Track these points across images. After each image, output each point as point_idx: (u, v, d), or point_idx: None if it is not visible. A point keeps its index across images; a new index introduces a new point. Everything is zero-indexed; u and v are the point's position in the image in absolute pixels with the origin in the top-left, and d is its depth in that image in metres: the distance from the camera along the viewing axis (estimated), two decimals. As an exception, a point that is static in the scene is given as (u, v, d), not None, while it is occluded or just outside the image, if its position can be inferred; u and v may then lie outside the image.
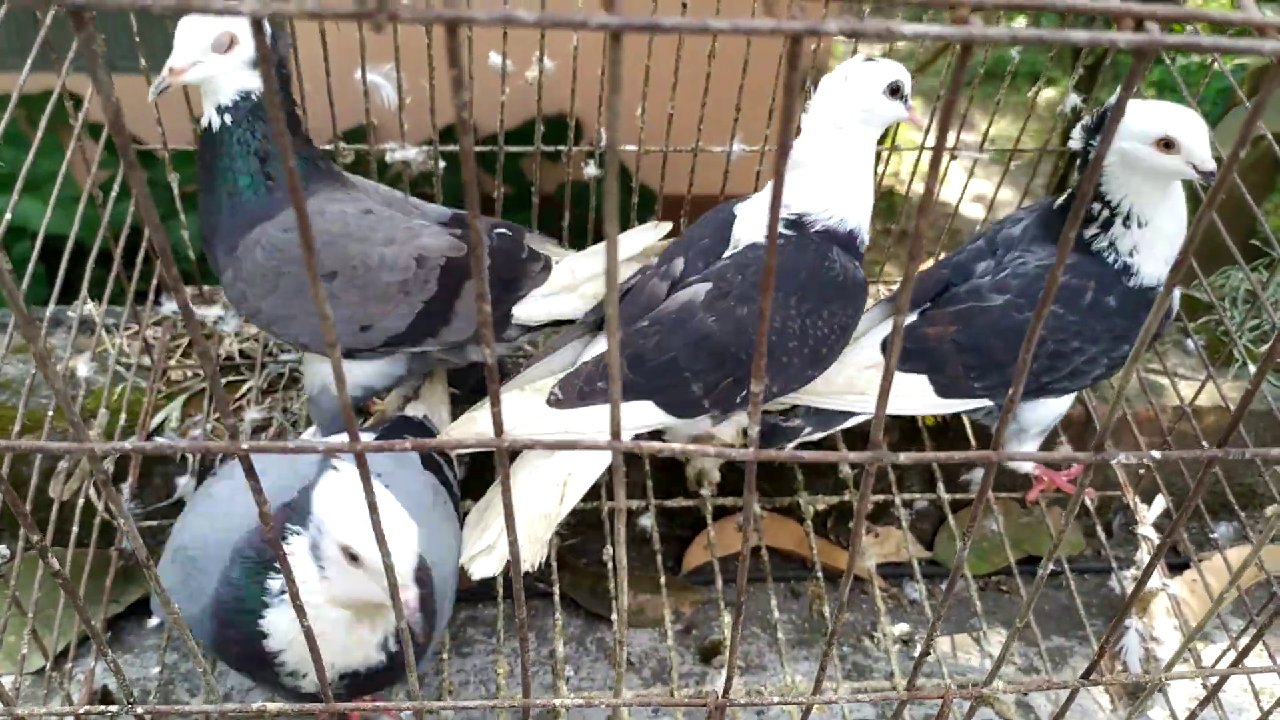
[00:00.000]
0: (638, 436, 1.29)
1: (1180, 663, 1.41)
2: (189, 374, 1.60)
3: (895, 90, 1.32)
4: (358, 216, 1.29)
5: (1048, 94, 5.49)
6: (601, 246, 1.41)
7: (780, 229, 1.33)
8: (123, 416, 1.49)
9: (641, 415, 1.29)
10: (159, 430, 1.53)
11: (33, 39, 1.29)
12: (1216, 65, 1.56)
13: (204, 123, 1.25)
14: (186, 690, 1.43)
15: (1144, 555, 1.52)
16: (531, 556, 1.27)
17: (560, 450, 1.31)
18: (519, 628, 0.76)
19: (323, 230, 1.25)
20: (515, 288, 1.37)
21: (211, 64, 1.19)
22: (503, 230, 1.40)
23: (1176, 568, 1.61)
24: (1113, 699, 1.44)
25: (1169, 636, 1.46)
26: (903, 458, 0.65)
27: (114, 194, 1.52)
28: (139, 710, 0.79)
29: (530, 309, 1.38)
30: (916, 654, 1.38)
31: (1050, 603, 1.64)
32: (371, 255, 1.27)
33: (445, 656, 1.38)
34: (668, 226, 1.46)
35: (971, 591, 1.50)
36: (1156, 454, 0.67)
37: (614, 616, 1.45)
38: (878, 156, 1.60)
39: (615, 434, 0.63)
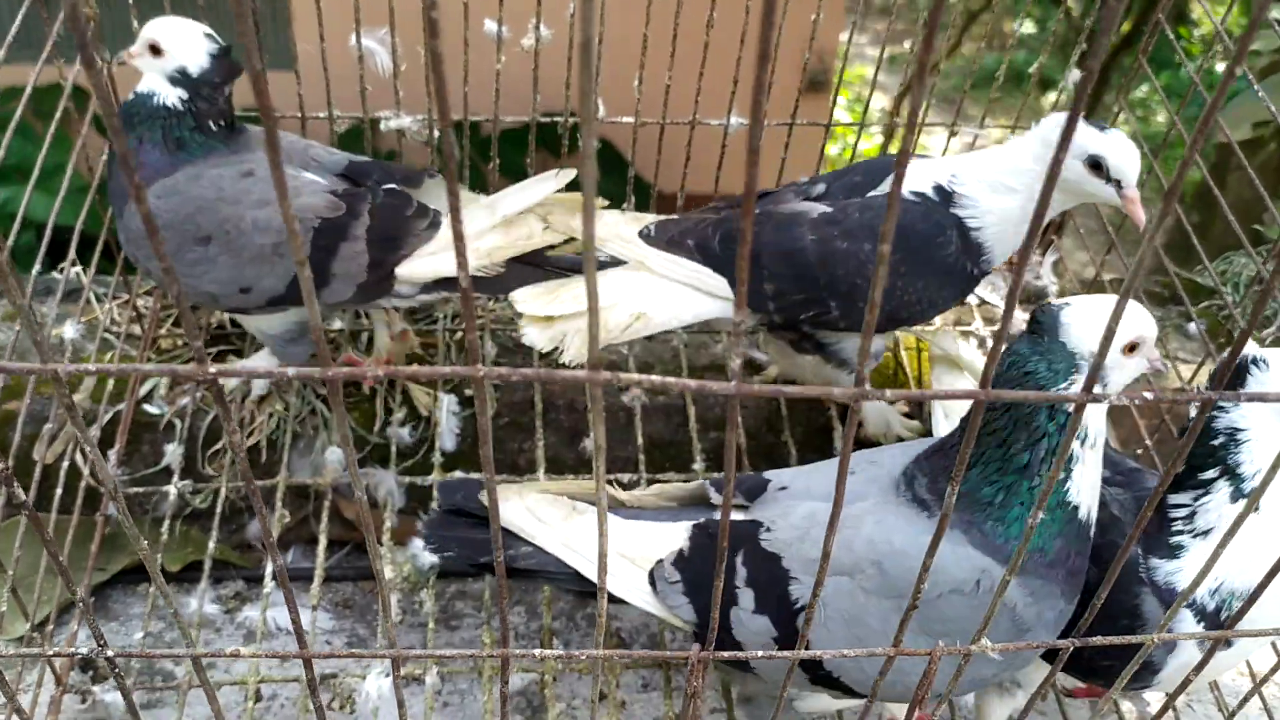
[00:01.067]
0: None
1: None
2: (179, 343, 1.58)
3: (1095, 165, 1.24)
4: (234, 179, 1.31)
5: (1049, 98, 5.49)
6: (493, 199, 1.38)
7: (925, 188, 1.33)
8: (110, 383, 1.48)
9: (715, 287, 1.33)
10: (147, 398, 1.51)
11: (39, 33, 1.29)
12: (1221, 69, 1.54)
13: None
14: (169, 659, 1.42)
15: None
16: (574, 356, 1.30)
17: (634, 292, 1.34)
18: (497, 576, 0.74)
19: (197, 195, 1.30)
20: (397, 246, 1.34)
21: (142, 63, 1.34)
22: (392, 187, 1.38)
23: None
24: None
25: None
26: (888, 394, 0.64)
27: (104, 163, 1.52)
28: (109, 653, 0.77)
29: (416, 267, 1.35)
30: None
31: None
32: (244, 219, 1.30)
33: (432, 627, 1.37)
34: (570, 174, 1.39)
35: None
36: (1149, 394, 0.65)
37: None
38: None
39: (594, 365, 0.62)
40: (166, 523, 1.44)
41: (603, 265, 1.35)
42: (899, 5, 1.60)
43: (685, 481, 1.22)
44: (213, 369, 0.60)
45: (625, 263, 1.35)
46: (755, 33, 1.47)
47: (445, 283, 1.36)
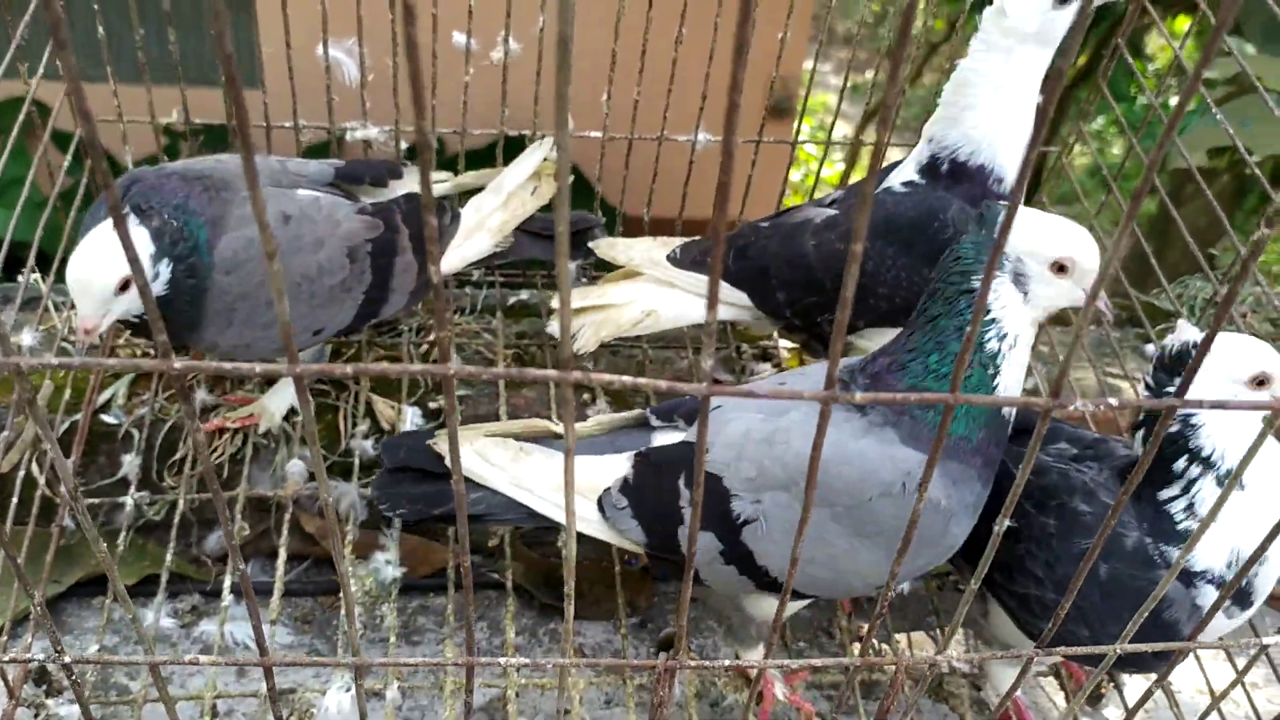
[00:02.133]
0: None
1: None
2: (137, 353, 1.56)
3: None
4: (279, 229, 1.28)
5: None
6: (496, 182, 1.48)
7: (912, 175, 1.39)
8: (68, 392, 1.46)
9: (734, 298, 1.44)
10: (105, 408, 1.49)
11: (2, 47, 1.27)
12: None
13: None
14: (124, 673, 1.39)
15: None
16: (585, 345, 1.45)
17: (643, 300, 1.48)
18: (462, 576, 0.73)
19: (258, 259, 1.25)
20: None
21: (119, 306, 1.19)
22: (410, 192, 1.44)
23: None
24: (1068, 696, 1.43)
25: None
26: (859, 396, 0.64)
27: (63, 184, 1.50)
28: (66, 659, 0.76)
29: (450, 261, 1.44)
30: (874, 640, 1.36)
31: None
32: (310, 265, 1.30)
33: (393, 641, 1.35)
34: (550, 142, 1.52)
35: (929, 590, 1.49)
36: (1114, 400, 0.66)
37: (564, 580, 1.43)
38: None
39: (564, 364, 0.62)
40: (122, 534, 1.42)
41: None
42: (860, 35, 1.63)
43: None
44: (178, 364, 0.60)
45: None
46: (724, 52, 1.48)
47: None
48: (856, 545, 1.08)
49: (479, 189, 1.51)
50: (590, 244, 1.51)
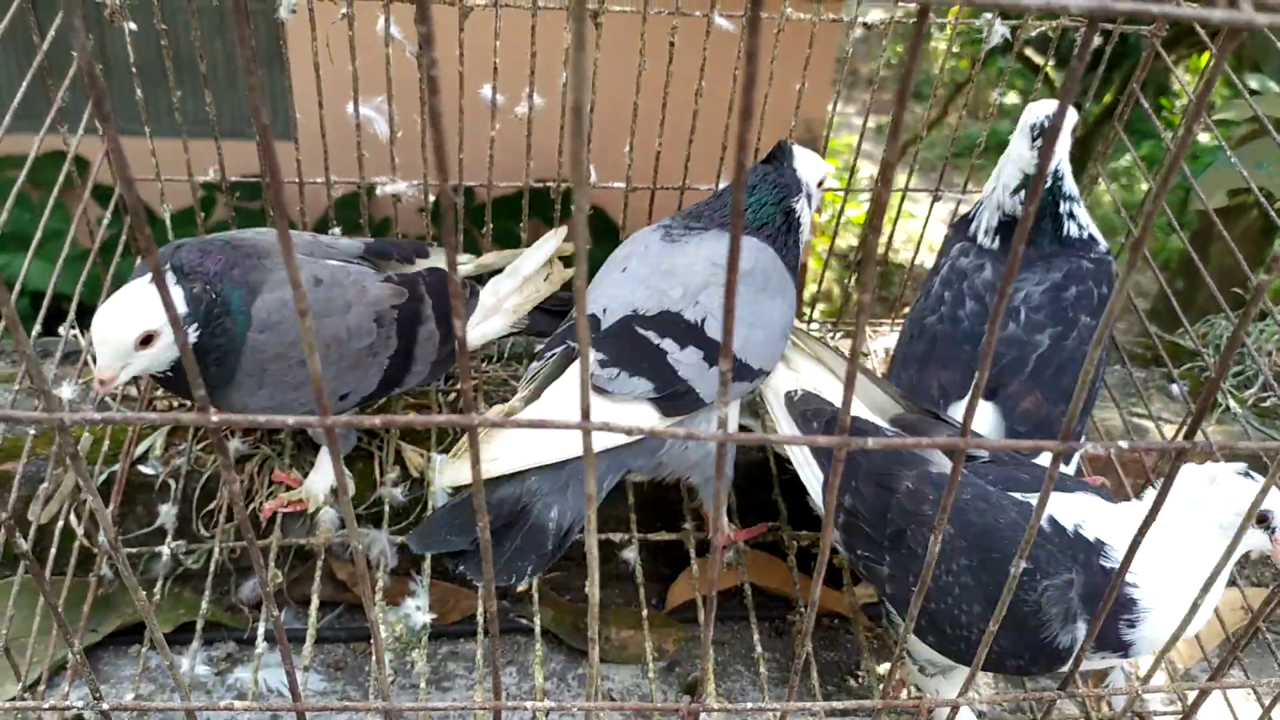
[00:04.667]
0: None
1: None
2: (174, 404, 1.60)
3: (1263, 520, 1.13)
4: (312, 290, 1.31)
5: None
6: (514, 266, 1.51)
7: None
8: (105, 444, 1.49)
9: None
10: (142, 459, 1.52)
11: (39, 102, 1.31)
12: (1205, 139, 1.58)
13: None
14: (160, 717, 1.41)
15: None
16: None
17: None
18: (489, 622, 0.75)
19: (292, 319, 1.27)
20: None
21: (138, 362, 1.21)
22: (433, 265, 1.47)
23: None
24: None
25: (1155, 677, 1.44)
26: (870, 443, 0.66)
27: (98, 238, 1.54)
28: (104, 706, 0.78)
29: (472, 338, 1.46)
30: (895, 672, 1.36)
31: (1037, 645, 1.62)
32: (340, 328, 1.32)
33: (424, 688, 1.37)
34: (565, 230, 1.57)
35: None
36: (1124, 443, 0.67)
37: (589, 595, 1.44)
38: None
39: (585, 414, 0.64)
40: (159, 584, 1.44)
41: None
42: (882, 77, 1.66)
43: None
44: (215, 416, 0.62)
45: None
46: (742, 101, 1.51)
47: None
48: (770, 302, 1.36)
49: (498, 270, 1.54)
50: None
